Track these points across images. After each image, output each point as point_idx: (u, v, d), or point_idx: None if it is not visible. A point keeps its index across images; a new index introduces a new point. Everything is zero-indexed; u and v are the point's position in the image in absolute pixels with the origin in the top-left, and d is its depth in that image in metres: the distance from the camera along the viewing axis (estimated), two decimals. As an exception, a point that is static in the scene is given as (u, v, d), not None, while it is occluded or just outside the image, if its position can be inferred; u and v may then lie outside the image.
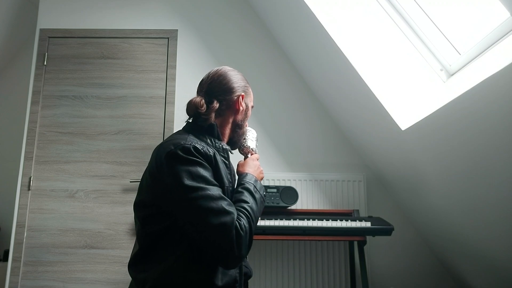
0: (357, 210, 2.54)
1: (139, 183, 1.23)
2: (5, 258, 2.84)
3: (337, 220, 2.19)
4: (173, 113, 2.84)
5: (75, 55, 2.94)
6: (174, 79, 2.90)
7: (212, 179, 1.11)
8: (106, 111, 2.87)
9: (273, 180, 2.69)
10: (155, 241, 1.12)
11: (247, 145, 1.38)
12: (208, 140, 1.21)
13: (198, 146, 1.12)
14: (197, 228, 1.05)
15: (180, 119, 2.83)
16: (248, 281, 1.29)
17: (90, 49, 2.95)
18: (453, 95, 1.46)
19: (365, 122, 2.41)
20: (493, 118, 1.33)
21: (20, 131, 2.94)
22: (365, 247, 2.29)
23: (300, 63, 2.86)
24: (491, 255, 1.88)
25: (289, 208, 2.52)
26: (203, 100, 1.24)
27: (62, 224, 2.71)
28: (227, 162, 1.24)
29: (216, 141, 1.24)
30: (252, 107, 1.38)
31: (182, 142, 1.12)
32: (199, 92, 1.30)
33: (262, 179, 1.33)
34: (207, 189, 1.06)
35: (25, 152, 2.79)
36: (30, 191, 2.75)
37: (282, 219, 2.19)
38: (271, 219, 2.20)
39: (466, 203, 1.82)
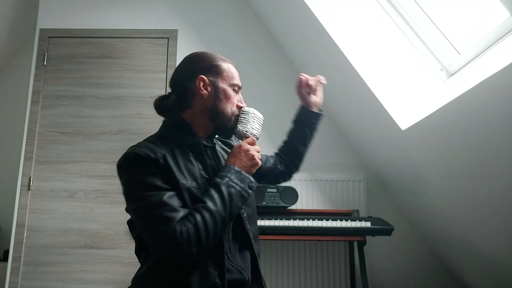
0: (357, 210, 2.54)
1: None
2: (5, 258, 2.83)
3: (337, 220, 2.19)
4: (173, 113, 2.84)
5: (75, 55, 2.94)
6: (174, 79, 2.89)
7: (158, 183, 1.03)
8: (106, 111, 2.86)
9: (273, 180, 2.68)
10: (138, 246, 1.16)
11: (238, 130, 1.19)
12: (178, 138, 1.14)
13: (140, 152, 1.05)
14: (144, 236, 1.05)
15: (180, 119, 2.83)
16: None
17: (90, 49, 2.95)
18: (453, 95, 1.46)
19: (365, 122, 2.41)
20: (493, 118, 1.33)
21: (20, 131, 2.94)
22: (365, 247, 2.28)
23: (300, 62, 2.85)
24: (491, 255, 1.88)
25: (289, 208, 2.52)
26: (159, 98, 1.19)
27: (61, 224, 2.71)
28: (203, 157, 1.15)
29: (189, 138, 1.15)
30: (237, 86, 1.21)
31: (126, 151, 1.09)
32: None
33: (253, 166, 1.13)
34: (146, 196, 1.01)
35: (25, 152, 2.79)
36: (30, 191, 2.75)
37: (282, 219, 2.19)
38: (271, 219, 2.20)
39: (465, 202, 1.82)
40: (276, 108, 2.89)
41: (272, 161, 1.45)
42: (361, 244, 2.23)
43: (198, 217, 1.00)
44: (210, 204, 1.02)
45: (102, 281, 2.64)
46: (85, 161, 2.79)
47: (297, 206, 2.62)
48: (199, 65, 1.17)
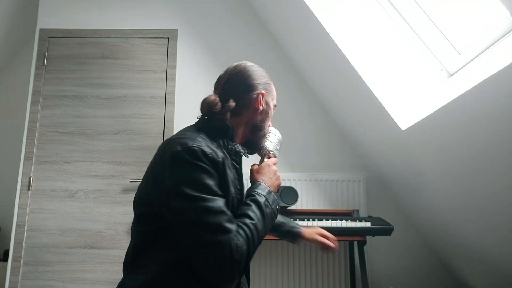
0: (357, 210, 2.54)
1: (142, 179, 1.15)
2: (5, 258, 2.84)
3: (337, 220, 2.19)
4: (173, 113, 2.84)
5: (75, 55, 2.94)
6: (174, 79, 2.90)
7: (216, 189, 1.00)
8: (106, 111, 2.87)
9: (273, 180, 2.68)
10: (145, 242, 1.05)
11: (264, 147, 1.24)
12: (220, 141, 1.12)
13: (206, 149, 1.01)
14: (187, 241, 0.96)
15: (180, 119, 2.83)
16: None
17: (90, 49, 2.95)
18: (453, 95, 1.46)
19: (365, 122, 2.41)
20: (493, 118, 1.33)
21: (20, 131, 2.94)
22: (365, 247, 2.29)
23: (300, 62, 2.86)
24: (491, 255, 1.88)
25: (289, 208, 2.52)
26: (218, 99, 1.13)
27: (62, 224, 2.71)
28: (238, 166, 1.15)
29: (230, 142, 1.13)
30: (275, 106, 1.27)
31: (190, 143, 1.01)
32: (216, 89, 1.20)
33: (278, 186, 1.19)
34: (207, 200, 0.96)
35: (25, 152, 2.79)
36: (30, 191, 2.75)
37: (282, 219, 2.19)
38: (271, 219, 2.19)
39: (465, 202, 1.82)
40: (276, 108, 2.88)
41: None
42: (361, 244, 2.23)
43: (248, 233, 0.98)
44: (256, 221, 1.02)
45: (103, 281, 2.65)
46: (85, 161, 2.80)
47: (297, 206, 2.62)
48: (261, 80, 1.20)
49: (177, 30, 2.98)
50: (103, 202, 2.74)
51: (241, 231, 0.98)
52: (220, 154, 1.05)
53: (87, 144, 2.82)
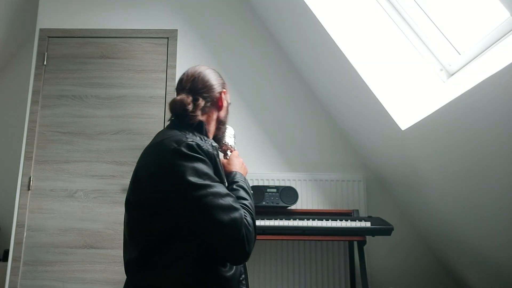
0: (357, 210, 2.54)
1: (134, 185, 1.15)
2: (5, 258, 2.83)
3: (337, 220, 2.19)
4: (173, 113, 2.84)
5: (74, 55, 2.94)
6: (174, 79, 2.90)
7: (215, 176, 1.10)
8: (106, 111, 2.86)
9: (273, 180, 2.68)
10: (159, 243, 1.06)
11: (225, 142, 1.38)
12: (199, 138, 1.17)
13: (200, 143, 1.10)
14: (205, 226, 1.03)
15: (180, 119, 2.83)
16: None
17: (90, 49, 2.95)
18: (453, 95, 1.46)
19: (365, 122, 2.41)
20: (493, 118, 1.33)
21: (20, 131, 2.94)
22: (365, 247, 2.28)
23: (300, 62, 2.86)
24: (491, 255, 1.88)
25: (289, 208, 2.52)
26: (190, 98, 1.22)
27: (61, 224, 2.71)
28: (218, 159, 1.22)
29: (205, 138, 1.20)
30: (229, 104, 1.39)
31: (183, 139, 1.09)
32: (181, 90, 1.26)
33: (246, 174, 1.35)
34: (213, 186, 1.06)
35: (25, 152, 2.79)
36: (29, 191, 2.75)
37: (282, 219, 2.19)
38: (271, 219, 2.20)
39: (465, 202, 1.82)
40: (275, 107, 2.89)
41: None
42: (361, 244, 2.23)
43: (250, 210, 1.12)
44: (250, 201, 1.18)
45: (102, 280, 2.64)
46: (85, 161, 2.79)
47: (297, 206, 2.62)
48: (220, 81, 1.33)
49: (177, 30, 2.98)
50: (102, 202, 2.74)
51: (245, 209, 1.10)
52: (210, 146, 1.15)
53: (86, 144, 2.81)
